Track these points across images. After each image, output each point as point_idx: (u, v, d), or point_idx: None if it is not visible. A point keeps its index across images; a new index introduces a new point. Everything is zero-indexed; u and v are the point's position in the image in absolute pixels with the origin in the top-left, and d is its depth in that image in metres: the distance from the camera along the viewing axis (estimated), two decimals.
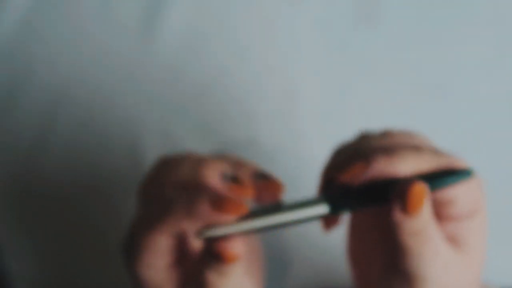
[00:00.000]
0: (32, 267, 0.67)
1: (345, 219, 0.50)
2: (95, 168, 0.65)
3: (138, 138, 0.64)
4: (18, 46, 0.66)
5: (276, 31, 0.65)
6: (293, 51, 0.64)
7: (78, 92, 0.65)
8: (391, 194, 0.43)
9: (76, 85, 0.65)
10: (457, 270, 0.45)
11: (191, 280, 0.45)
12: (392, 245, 0.44)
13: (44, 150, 0.65)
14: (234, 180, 0.43)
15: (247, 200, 0.44)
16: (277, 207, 0.43)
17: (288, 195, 0.45)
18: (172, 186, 0.44)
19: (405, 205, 0.42)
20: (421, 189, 0.42)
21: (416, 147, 0.44)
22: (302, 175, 0.62)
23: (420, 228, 0.43)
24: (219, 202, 0.42)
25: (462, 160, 0.44)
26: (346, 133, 0.50)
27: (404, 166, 0.43)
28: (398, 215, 0.42)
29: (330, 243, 0.62)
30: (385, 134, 0.45)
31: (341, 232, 0.53)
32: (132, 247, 0.44)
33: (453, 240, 0.45)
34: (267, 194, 0.43)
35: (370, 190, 0.43)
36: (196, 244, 0.45)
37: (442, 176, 0.43)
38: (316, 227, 0.63)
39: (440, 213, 0.44)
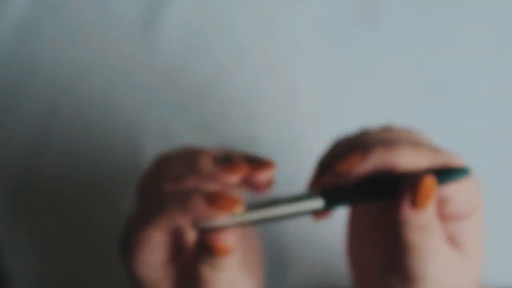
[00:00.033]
0: (32, 267, 0.67)
1: (344, 218, 0.50)
2: (95, 168, 0.65)
3: (138, 138, 0.64)
4: (19, 45, 0.66)
5: (276, 31, 0.65)
6: (293, 51, 0.64)
7: (79, 92, 0.65)
8: (399, 187, 0.43)
9: (77, 84, 0.65)
10: (457, 271, 0.45)
11: (187, 276, 0.45)
12: (393, 244, 0.44)
13: (45, 150, 0.65)
14: (227, 160, 0.43)
15: (243, 193, 0.44)
16: (272, 201, 0.43)
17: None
18: (168, 181, 0.44)
19: (416, 198, 0.42)
20: (432, 183, 0.42)
21: (415, 143, 0.44)
22: (302, 175, 0.62)
23: (425, 223, 0.43)
24: (213, 198, 0.42)
25: (460, 158, 0.44)
26: (346, 133, 0.50)
27: (402, 159, 0.43)
28: (405, 209, 0.42)
29: (329, 243, 0.62)
30: (385, 129, 0.45)
31: (340, 232, 0.53)
32: (129, 244, 0.45)
33: (452, 241, 0.45)
34: (260, 174, 0.44)
35: (365, 186, 0.44)
36: (192, 240, 0.45)
37: (440, 174, 0.43)
38: (316, 228, 0.63)
39: (437, 212, 0.44)
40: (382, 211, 0.46)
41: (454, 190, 0.44)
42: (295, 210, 0.43)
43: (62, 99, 0.65)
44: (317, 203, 0.43)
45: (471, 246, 0.45)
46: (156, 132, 0.64)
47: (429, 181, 0.42)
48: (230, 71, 0.64)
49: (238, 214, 0.43)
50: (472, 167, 0.46)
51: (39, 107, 0.65)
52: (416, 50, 0.64)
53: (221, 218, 0.43)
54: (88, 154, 0.65)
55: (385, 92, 0.64)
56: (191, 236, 0.45)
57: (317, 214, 0.45)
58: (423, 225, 0.43)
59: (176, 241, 0.45)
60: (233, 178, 0.43)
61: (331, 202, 0.43)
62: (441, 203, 0.44)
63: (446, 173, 0.43)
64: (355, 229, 0.48)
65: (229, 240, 0.43)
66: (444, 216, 0.44)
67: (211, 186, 0.44)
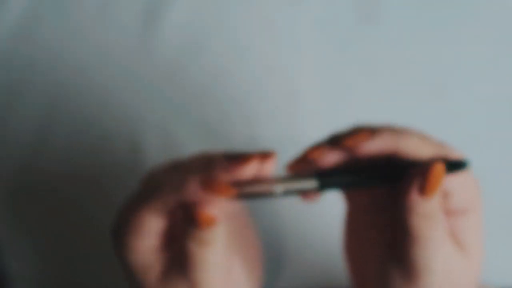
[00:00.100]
0: (32, 267, 0.67)
1: (341, 217, 0.50)
2: (95, 167, 0.65)
3: (138, 138, 0.64)
4: (19, 43, 0.66)
5: (276, 31, 0.65)
6: (293, 51, 0.64)
7: (79, 91, 0.65)
8: (406, 173, 0.43)
9: (77, 84, 0.65)
10: (457, 268, 0.45)
11: (178, 260, 0.45)
12: (396, 234, 0.44)
13: (44, 150, 0.65)
14: (238, 154, 0.43)
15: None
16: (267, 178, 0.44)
17: None
18: (165, 170, 0.45)
19: (425, 184, 0.43)
20: (441, 170, 0.43)
21: (420, 134, 0.44)
22: None
23: (431, 211, 0.43)
24: (209, 183, 0.42)
25: (460, 152, 0.45)
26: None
27: (408, 146, 0.43)
28: (413, 195, 0.43)
29: (327, 243, 0.62)
30: (388, 124, 0.46)
31: (338, 232, 0.53)
32: (121, 228, 0.45)
33: (453, 239, 0.45)
34: (269, 164, 0.44)
35: (359, 171, 0.44)
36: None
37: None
38: (316, 228, 0.63)
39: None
40: (380, 210, 0.47)
41: (454, 184, 0.44)
42: (289, 188, 0.43)
43: (62, 98, 0.65)
44: (311, 183, 0.43)
45: (471, 245, 0.46)
46: (156, 131, 0.64)
47: (439, 168, 0.43)
48: (230, 71, 0.64)
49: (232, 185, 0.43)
50: (472, 167, 0.46)
51: (39, 106, 0.65)
52: (416, 50, 0.64)
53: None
54: (88, 154, 0.65)
55: (385, 92, 0.64)
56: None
57: (307, 195, 0.45)
58: (429, 213, 0.43)
59: (169, 229, 0.45)
60: (248, 170, 0.43)
61: (325, 184, 0.44)
62: (443, 198, 0.44)
63: (448, 165, 0.44)
64: (352, 228, 0.48)
65: (213, 210, 0.43)
66: (445, 212, 0.45)
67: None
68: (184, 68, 0.64)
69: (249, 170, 0.43)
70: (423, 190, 0.43)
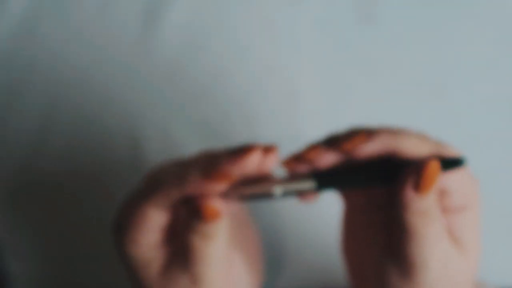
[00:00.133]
0: (32, 267, 0.67)
1: (338, 217, 0.50)
2: (95, 167, 0.65)
3: (138, 138, 0.64)
4: (19, 43, 0.66)
5: (276, 31, 0.65)
6: (293, 51, 0.64)
7: (79, 91, 0.65)
8: (402, 171, 0.43)
9: (77, 83, 0.65)
10: (454, 264, 0.45)
11: (179, 255, 0.45)
12: (392, 233, 0.44)
13: (44, 150, 0.65)
14: (240, 148, 0.43)
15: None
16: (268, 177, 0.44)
17: None
18: (167, 166, 0.45)
19: (419, 182, 0.43)
20: (436, 167, 0.43)
21: (418, 134, 0.45)
22: None
23: (427, 209, 0.43)
24: (209, 171, 0.43)
25: (456, 150, 0.45)
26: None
27: (406, 145, 0.44)
28: (408, 192, 0.43)
29: (327, 243, 0.62)
30: (385, 125, 0.46)
31: (338, 232, 0.53)
32: (123, 222, 0.45)
33: (451, 236, 0.45)
34: (271, 156, 0.44)
35: (356, 170, 0.44)
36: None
37: (440, 162, 0.44)
38: (316, 228, 0.63)
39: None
40: (377, 209, 0.47)
41: (453, 183, 0.44)
42: (286, 188, 0.43)
43: (62, 97, 0.65)
44: (308, 184, 0.44)
45: (469, 242, 0.46)
46: (156, 131, 0.64)
47: (434, 165, 0.43)
48: (230, 71, 0.64)
49: (233, 187, 0.43)
50: (472, 166, 0.46)
51: (39, 106, 0.65)
52: (415, 50, 0.64)
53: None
54: (88, 153, 0.65)
55: (385, 92, 0.64)
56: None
57: (304, 196, 0.45)
58: (424, 210, 0.43)
59: (171, 224, 0.45)
60: (251, 162, 0.43)
61: (322, 184, 0.44)
62: (440, 195, 0.44)
63: (445, 162, 0.44)
64: (349, 227, 0.49)
65: (217, 204, 0.43)
66: (442, 209, 0.45)
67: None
68: (184, 68, 0.64)
69: (252, 162, 0.43)
70: (418, 187, 0.43)
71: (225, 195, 0.43)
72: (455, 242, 0.45)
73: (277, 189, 0.43)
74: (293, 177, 0.44)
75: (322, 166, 0.44)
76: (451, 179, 0.44)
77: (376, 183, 0.44)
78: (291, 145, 0.46)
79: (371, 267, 0.47)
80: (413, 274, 0.45)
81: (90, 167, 0.65)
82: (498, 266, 0.64)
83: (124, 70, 0.65)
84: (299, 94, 0.64)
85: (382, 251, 0.46)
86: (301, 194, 0.44)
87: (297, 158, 0.44)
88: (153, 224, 0.44)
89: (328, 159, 0.44)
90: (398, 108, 0.64)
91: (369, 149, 0.44)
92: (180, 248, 0.45)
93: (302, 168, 0.44)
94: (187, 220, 0.44)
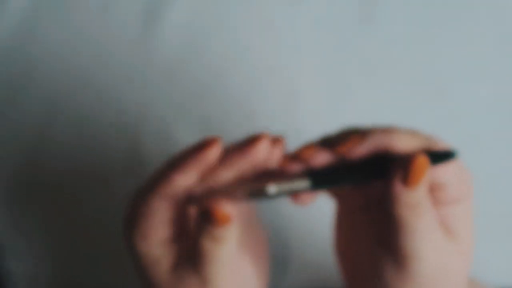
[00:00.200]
0: (32, 267, 0.67)
1: (331, 216, 0.50)
2: (95, 166, 0.65)
3: (138, 137, 0.64)
4: (20, 42, 0.66)
5: (276, 31, 0.65)
6: (293, 51, 0.64)
7: (79, 91, 0.65)
8: (392, 166, 0.44)
9: (77, 82, 0.65)
10: (447, 255, 0.45)
11: (189, 255, 0.46)
12: (385, 226, 0.45)
13: (44, 150, 0.65)
14: (247, 139, 0.45)
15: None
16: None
17: None
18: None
19: (407, 176, 0.43)
20: (424, 161, 0.43)
21: (408, 129, 0.45)
22: None
23: (417, 202, 0.44)
24: (199, 143, 0.44)
25: (447, 144, 0.45)
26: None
27: (399, 141, 0.44)
28: (397, 186, 0.43)
29: (330, 243, 0.62)
30: (376, 124, 0.46)
31: None
32: (133, 216, 0.45)
33: (444, 227, 0.46)
34: (279, 146, 0.45)
35: (351, 168, 0.45)
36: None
37: (431, 156, 0.44)
38: (316, 228, 0.63)
39: (431, 197, 0.45)
40: (369, 207, 0.47)
41: (445, 175, 0.44)
42: (281, 188, 0.43)
43: (62, 97, 0.65)
44: (304, 183, 0.44)
45: (462, 234, 0.46)
46: (157, 130, 0.64)
47: (422, 159, 0.43)
48: (230, 71, 0.64)
49: (228, 187, 0.44)
50: (472, 167, 0.46)
51: (39, 106, 0.65)
52: (415, 49, 0.64)
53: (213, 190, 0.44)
54: (88, 153, 0.65)
55: (385, 92, 0.64)
56: (193, 211, 0.46)
57: (299, 196, 0.45)
58: (414, 203, 0.44)
59: (179, 221, 0.46)
60: (260, 151, 0.44)
61: (317, 183, 0.44)
62: (436, 189, 0.45)
63: (436, 156, 0.44)
64: (342, 227, 0.49)
65: (227, 208, 0.44)
66: (436, 202, 0.45)
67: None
68: (184, 68, 0.64)
69: (263, 150, 0.44)
70: (407, 181, 0.43)
71: (220, 194, 0.44)
72: (448, 234, 0.46)
73: (271, 188, 0.43)
74: (288, 176, 0.44)
75: (317, 165, 0.44)
76: (443, 172, 0.44)
77: (370, 179, 0.45)
78: (291, 145, 0.46)
79: (365, 264, 0.47)
80: (407, 266, 0.45)
81: (90, 166, 0.65)
82: (498, 266, 0.64)
83: (124, 69, 0.65)
84: (299, 94, 0.64)
85: (376, 247, 0.46)
86: (296, 194, 0.44)
87: (292, 157, 0.45)
88: (160, 217, 0.45)
89: (322, 158, 0.44)
90: (398, 108, 0.64)
91: (363, 150, 0.44)
92: (190, 249, 0.46)
93: (296, 166, 0.44)
94: (198, 223, 0.44)
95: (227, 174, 0.45)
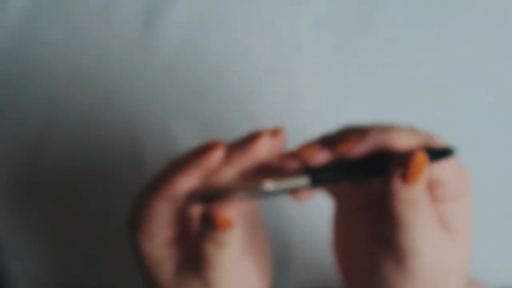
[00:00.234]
0: (32, 267, 0.67)
1: (329, 216, 0.50)
2: (95, 166, 0.65)
3: (138, 137, 0.64)
4: (20, 42, 0.66)
5: (276, 31, 0.65)
6: (293, 51, 0.64)
7: (79, 91, 0.65)
8: (391, 163, 0.44)
9: (77, 82, 0.65)
10: (445, 252, 0.46)
11: (191, 258, 0.46)
12: (384, 223, 0.45)
13: (45, 150, 0.65)
14: (247, 136, 0.45)
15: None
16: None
17: None
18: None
19: (406, 172, 0.43)
20: (423, 158, 0.44)
21: (407, 126, 0.45)
22: None
23: (415, 198, 0.44)
24: (203, 146, 0.44)
25: (446, 141, 0.46)
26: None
27: (398, 139, 0.44)
28: (396, 183, 0.44)
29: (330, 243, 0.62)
30: (375, 122, 0.46)
31: None
32: (136, 217, 0.46)
33: (442, 224, 0.46)
34: (281, 138, 0.45)
35: (350, 165, 0.45)
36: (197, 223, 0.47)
37: (429, 153, 0.44)
38: (317, 228, 0.63)
39: (429, 194, 0.45)
40: (368, 205, 0.47)
41: (444, 172, 0.45)
42: (281, 185, 0.43)
43: (62, 97, 0.65)
44: (303, 180, 0.44)
45: (461, 231, 0.46)
46: (157, 131, 0.64)
47: (421, 157, 0.43)
48: (230, 71, 0.64)
49: (230, 186, 0.44)
50: (472, 166, 0.47)
51: (39, 106, 0.65)
52: (415, 50, 0.64)
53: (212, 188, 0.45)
54: (88, 153, 0.65)
55: (385, 92, 0.64)
56: (195, 212, 0.46)
57: (298, 193, 0.45)
58: (413, 200, 0.44)
59: (182, 222, 0.46)
60: (262, 147, 0.44)
61: (317, 180, 0.44)
62: (435, 186, 0.45)
63: (435, 153, 0.44)
64: (341, 227, 0.49)
65: (230, 213, 0.44)
66: (434, 199, 0.45)
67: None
68: (184, 67, 0.64)
69: (263, 147, 0.44)
70: (405, 178, 0.44)
71: (219, 193, 0.44)
72: (447, 231, 0.46)
73: (269, 185, 0.43)
74: (287, 174, 0.44)
75: (316, 164, 0.44)
76: (442, 169, 0.45)
77: (369, 177, 0.45)
78: (291, 145, 0.46)
79: (364, 263, 0.47)
80: (406, 262, 0.45)
81: (90, 166, 0.65)
82: (498, 266, 0.64)
83: (124, 69, 0.65)
84: (299, 93, 0.64)
85: (375, 245, 0.46)
86: (294, 191, 0.44)
87: (291, 156, 0.45)
88: (162, 218, 0.45)
89: (322, 157, 0.45)
90: (398, 108, 0.64)
91: (362, 149, 0.44)
92: (193, 252, 0.46)
93: (295, 164, 0.45)
94: (200, 228, 0.45)
95: (228, 172, 0.45)
